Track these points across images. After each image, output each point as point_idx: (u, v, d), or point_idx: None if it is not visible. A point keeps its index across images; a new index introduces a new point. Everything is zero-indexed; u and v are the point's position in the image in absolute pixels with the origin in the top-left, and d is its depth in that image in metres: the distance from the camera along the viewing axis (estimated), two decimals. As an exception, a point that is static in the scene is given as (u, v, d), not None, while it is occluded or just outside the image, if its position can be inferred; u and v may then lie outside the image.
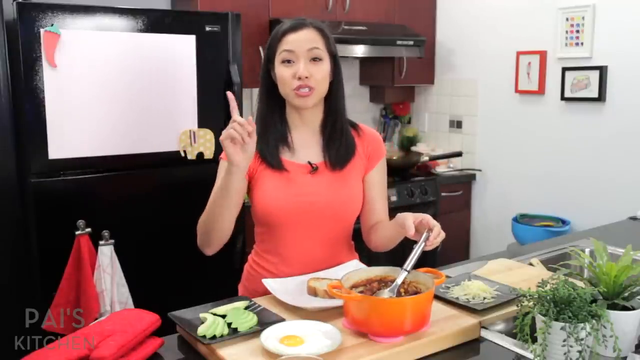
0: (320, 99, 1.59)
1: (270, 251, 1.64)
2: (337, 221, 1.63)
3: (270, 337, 1.21)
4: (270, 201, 1.56)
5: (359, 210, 1.66)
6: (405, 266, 1.35)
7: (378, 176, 1.68)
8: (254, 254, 1.70)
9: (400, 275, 1.34)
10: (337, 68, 1.60)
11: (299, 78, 1.51)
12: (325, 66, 1.55)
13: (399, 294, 1.33)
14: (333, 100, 1.62)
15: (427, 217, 1.40)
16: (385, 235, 1.62)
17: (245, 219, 2.81)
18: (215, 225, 1.49)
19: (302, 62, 1.52)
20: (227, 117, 2.68)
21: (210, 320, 1.29)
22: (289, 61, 1.53)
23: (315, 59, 1.53)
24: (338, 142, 1.61)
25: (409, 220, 1.40)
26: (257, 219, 1.65)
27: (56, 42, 2.27)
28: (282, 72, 1.53)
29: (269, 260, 1.64)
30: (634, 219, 2.48)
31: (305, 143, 1.63)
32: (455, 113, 3.93)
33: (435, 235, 1.38)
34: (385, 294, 1.32)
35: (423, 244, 1.37)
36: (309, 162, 1.60)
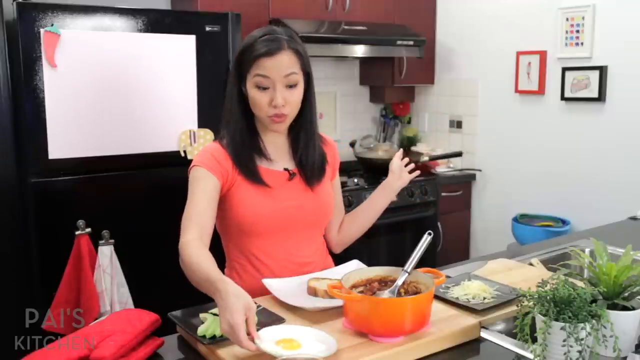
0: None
1: (248, 260, 1.61)
2: (313, 225, 1.67)
3: (265, 339, 1.19)
4: (251, 211, 1.54)
5: (331, 213, 1.72)
6: (406, 267, 1.35)
7: (337, 180, 1.79)
8: (229, 269, 1.66)
9: (401, 277, 1.34)
10: (310, 85, 1.57)
11: (275, 106, 1.48)
12: (300, 89, 1.52)
13: (399, 294, 1.33)
14: (305, 117, 1.59)
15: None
16: (358, 223, 1.79)
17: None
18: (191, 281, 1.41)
19: (279, 90, 1.47)
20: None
21: (210, 320, 1.29)
22: (263, 87, 1.48)
23: (291, 85, 1.50)
24: (312, 158, 1.62)
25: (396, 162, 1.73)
26: (231, 230, 1.61)
27: (56, 42, 2.27)
28: (256, 96, 1.49)
29: (247, 270, 1.62)
30: (634, 219, 2.47)
31: (279, 150, 1.63)
32: (455, 113, 3.93)
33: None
34: (386, 294, 1.32)
35: (424, 245, 1.37)
36: (286, 169, 1.61)
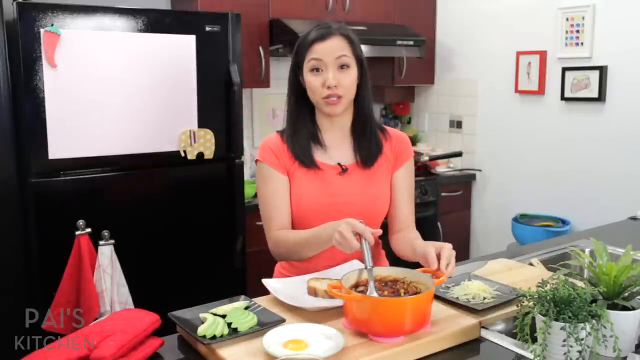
0: (349, 104, 1.63)
1: None
2: (366, 221, 1.62)
3: (273, 342, 1.21)
4: (303, 202, 1.60)
5: (386, 209, 1.69)
6: (367, 265, 1.33)
7: (404, 176, 1.71)
8: None
9: (369, 274, 1.32)
10: (364, 72, 1.63)
11: (328, 87, 1.54)
12: (352, 72, 1.58)
13: (398, 294, 1.32)
14: (361, 103, 1.65)
15: (445, 248, 1.40)
16: (405, 255, 1.62)
17: (246, 220, 2.81)
18: (301, 257, 1.60)
19: (331, 71, 1.55)
20: (227, 117, 2.70)
21: (210, 320, 1.29)
22: (317, 69, 1.56)
23: (343, 67, 1.56)
24: (367, 142, 1.65)
25: (432, 254, 1.39)
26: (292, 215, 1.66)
27: (56, 42, 2.27)
28: (311, 81, 1.57)
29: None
30: (634, 219, 2.48)
31: (336, 144, 1.66)
32: (455, 113, 3.93)
33: (448, 267, 1.37)
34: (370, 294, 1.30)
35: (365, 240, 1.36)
36: (339, 164, 1.64)
